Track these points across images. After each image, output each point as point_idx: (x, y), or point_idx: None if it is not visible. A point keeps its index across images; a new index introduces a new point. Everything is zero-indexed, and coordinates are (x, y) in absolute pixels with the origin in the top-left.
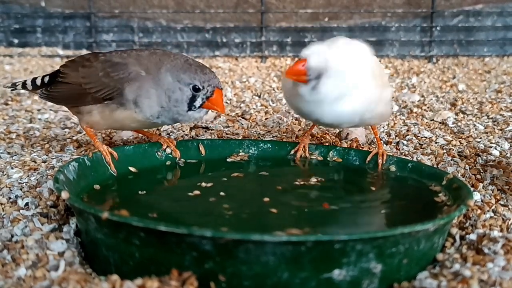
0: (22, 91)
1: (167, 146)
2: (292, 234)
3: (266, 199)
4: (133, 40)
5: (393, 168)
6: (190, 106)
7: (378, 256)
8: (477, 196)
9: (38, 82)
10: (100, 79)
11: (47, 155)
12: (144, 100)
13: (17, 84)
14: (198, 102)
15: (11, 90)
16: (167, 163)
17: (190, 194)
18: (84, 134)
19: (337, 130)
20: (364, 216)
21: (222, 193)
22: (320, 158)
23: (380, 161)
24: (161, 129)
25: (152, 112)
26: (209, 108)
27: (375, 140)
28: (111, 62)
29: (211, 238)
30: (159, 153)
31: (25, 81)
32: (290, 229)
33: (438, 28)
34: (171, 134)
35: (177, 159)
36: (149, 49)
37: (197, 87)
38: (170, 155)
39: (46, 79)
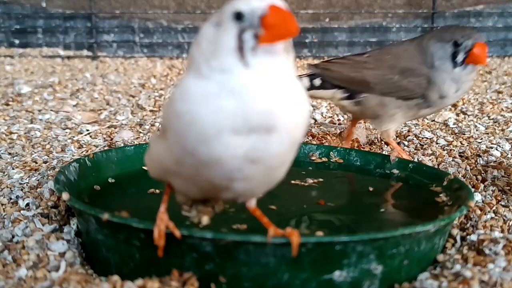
0: (23, 91)
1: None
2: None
3: (266, 198)
4: (134, 41)
5: (395, 170)
6: (454, 63)
7: (379, 257)
8: (477, 197)
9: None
10: (394, 83)
11: (48, 156)
12: (445, 88)
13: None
14: (460, 58)
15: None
16: None
17: None
18: (85, 135)
19: (339, 131)
20: (365, 217)
21: None
22: (320, 160)
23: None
24: None
25: (451, 88)
26: (471, 62)
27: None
28: (406, 68)
29: (212, 239)
30: None
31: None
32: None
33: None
34: None
35: None
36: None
37: (457, 42)
38: None
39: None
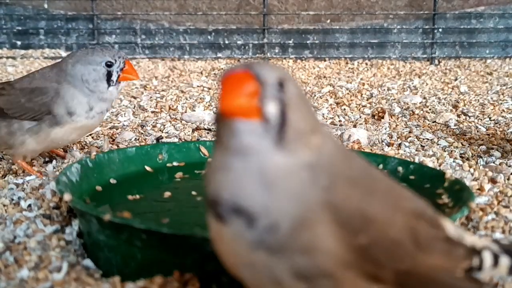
0: None
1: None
2: None
3: None
4: (135, 42)
5: (396, 171)
6: (109, 82)
7: None
8: (482, 199)
9: None
10: (23, 105)
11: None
12: (74, 104)
13: None
14: (114, 76)
15: None
16: (168, 165)
17: (192, 195)
18: (87, 136)
19: (340, 132)
20: None
21: None
22: None
23: None
24: (164, 131)
25: (85, 108)
26: (125, 80)
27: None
28: (30, 89)
29: None
30: (160, 156)
31: None
32: None
33: (440, 30)
34: (172, 135)
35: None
36: (49, 65)
37: (109, 62)
38: (172, 157)
39: None
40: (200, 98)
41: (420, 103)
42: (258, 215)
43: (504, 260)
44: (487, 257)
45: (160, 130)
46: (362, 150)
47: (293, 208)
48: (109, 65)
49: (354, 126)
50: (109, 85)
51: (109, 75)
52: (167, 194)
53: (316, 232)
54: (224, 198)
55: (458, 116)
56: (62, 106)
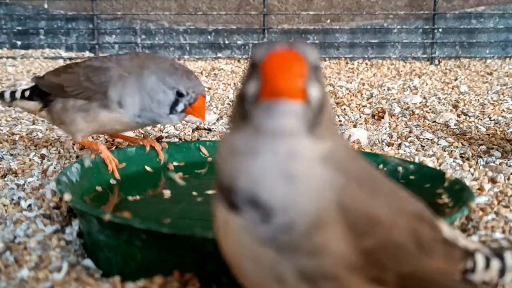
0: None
1: (152, 148)
2: None
3: None
4: (135, 42)
5: (400, 168)
6: (172, 109)
7: None
8: (482, 199)
9: (18, 94)
10: (81, 84)
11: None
12: (128, 99)
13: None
14: (180, 107)
15: None
16: (168, 165)
17: (192, 195)
18: None
19: (340, 132)
20: None
21: None
22: None
23: None
24: (162, 130)
25: (135, 111)
26: (190, 114)
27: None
28: (93, 67)
29: (213, 240)
30: (160, 156)
31: (3, 92)
32: None
33: (440, 30)
34: (172, 135)
35: (161, 162)
36: (131, 53)
37: (180, 92)
38: (171, 157)
39: (27, 93)
40: None
41: (420, 103)
42: (276, 211)
43: (495, 263)
44: (480, 260)
45: (160, 130)
46: (362, 150)
47: (312, 207)
48: (180, 94)
49: (354, 126)
50: (171, 112)
51: (175, 103)
52: (167, 194)
53: (328, 234)
54: (241, 186)
55: (458, 116)
56: (117, 93)
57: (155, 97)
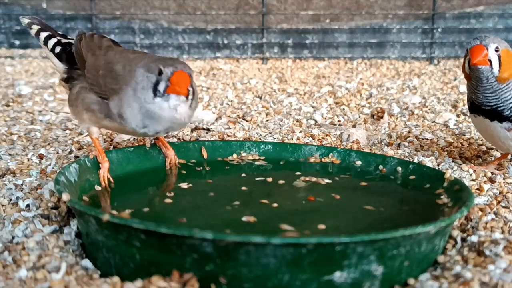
0: (23, 92)
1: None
2: (293, 237)
3: (268, 200)
4: (134, 42)
5: (399, 168)
6: (155, 92)
7: (379, 259)
8: (481, 199)
9: (50, 44)
10: (97, 78)
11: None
12: (127, 110)
13: (32, 24)
14: (161, 87)
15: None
16: (168, 165)
17: (191, 195)
18: (85, 136)
19: (339, 132)
20: (365, 218)
21: (223, 194)
22: (320, 161)
23: None
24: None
25: (137, 121)
26: (173, 92)
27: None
28: (110, 68)
29: (212, 240)
30: (160, 156)
31: (39, 31)
32: (290, 232)
33: (439, 29)
34: (171, 135)
35: (168, 165)
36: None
37: (160, 70)
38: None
39: (57, 49)
40: (199, 98)
41: (419, 103)
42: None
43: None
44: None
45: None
46: (361, 150)
47: None
48: (160, 73)
49: (353, 126)
50: (155, 95)
51: (157, 84)
52: (167, 194)
53: None
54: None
55: (458, 116)
56: (116, 110)
57: (139, 86)
